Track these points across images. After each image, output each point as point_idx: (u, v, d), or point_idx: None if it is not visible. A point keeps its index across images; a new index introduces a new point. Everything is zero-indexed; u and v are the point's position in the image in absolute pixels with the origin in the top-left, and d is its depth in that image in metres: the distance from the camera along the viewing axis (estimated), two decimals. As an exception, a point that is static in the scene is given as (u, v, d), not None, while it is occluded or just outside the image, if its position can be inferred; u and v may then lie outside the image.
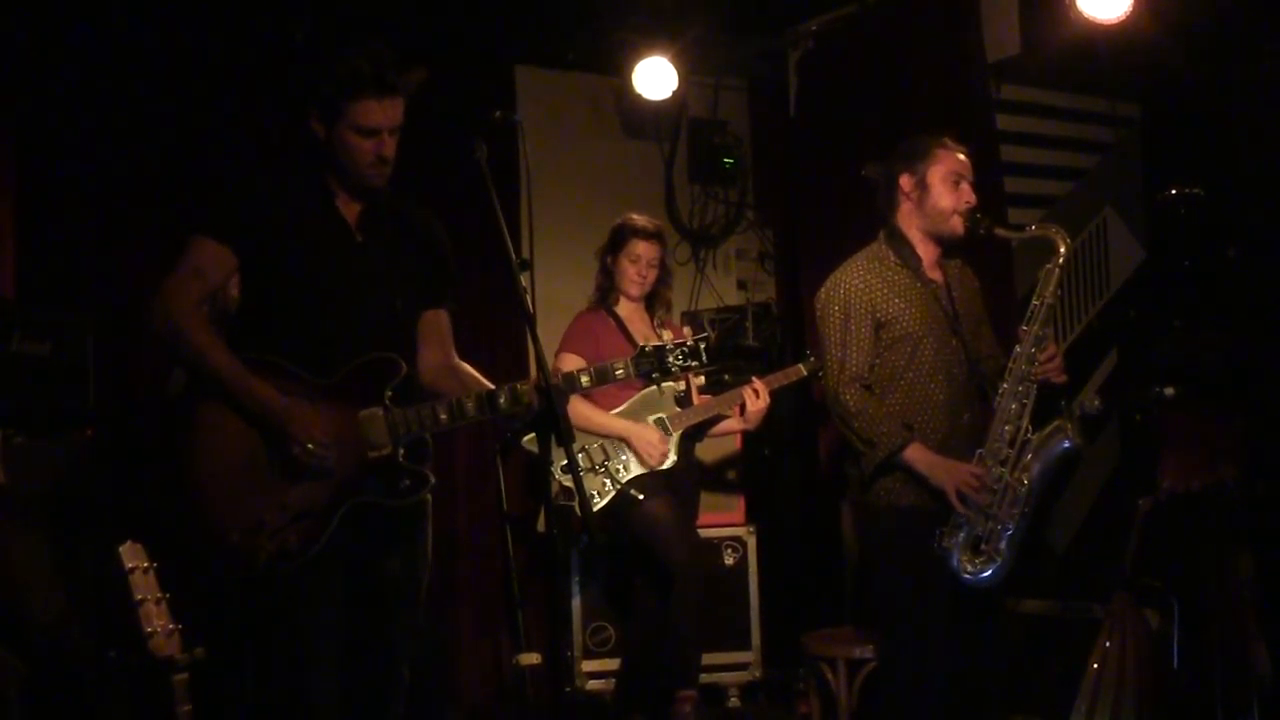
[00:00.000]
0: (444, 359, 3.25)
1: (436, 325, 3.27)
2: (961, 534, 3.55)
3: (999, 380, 3.65)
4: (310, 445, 2.91)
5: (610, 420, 4.66)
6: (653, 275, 4.80)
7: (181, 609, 2.77)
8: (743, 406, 4.71)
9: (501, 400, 3.04)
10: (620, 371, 3.13)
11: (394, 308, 3.12)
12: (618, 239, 4.78)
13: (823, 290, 3.78)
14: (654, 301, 4.87)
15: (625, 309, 4.82)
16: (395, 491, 3.03)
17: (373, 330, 3.06)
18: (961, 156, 3.76)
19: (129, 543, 2.77)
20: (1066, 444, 3.56)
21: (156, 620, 2.72)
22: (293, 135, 3.53)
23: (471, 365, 3.30)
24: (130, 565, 2.74)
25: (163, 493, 3.10)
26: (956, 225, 3.72)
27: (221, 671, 3.14)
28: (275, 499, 2.94)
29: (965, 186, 3.73)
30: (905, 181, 3.76)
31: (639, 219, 4.83)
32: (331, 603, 3.01)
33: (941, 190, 3.71)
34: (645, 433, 4.65)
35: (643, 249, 4.76)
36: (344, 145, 3.01)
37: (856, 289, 3.69)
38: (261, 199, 3.07)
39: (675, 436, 4.71)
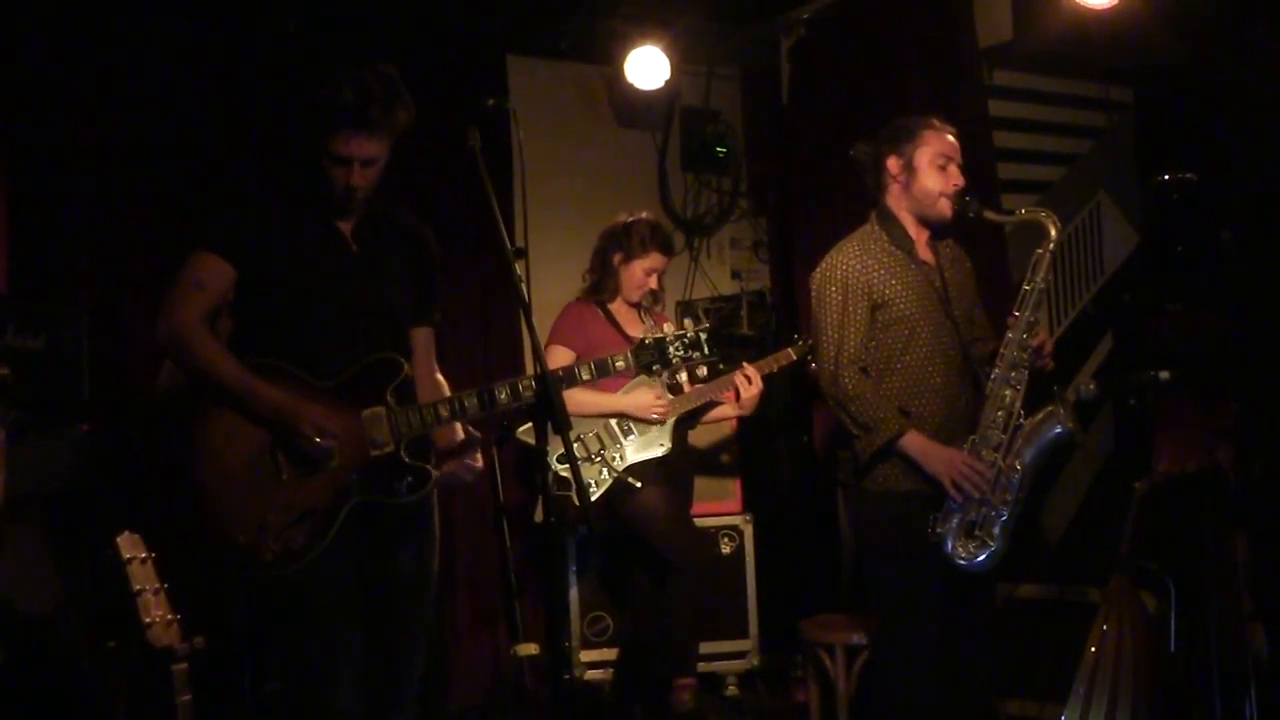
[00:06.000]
0: (425, 372, 3.31)
1: (419, 341, 3.33)
2: (955, 520, 3.53)
3: (989, 365, 3.62)
4: (327, 436, 2.95)
5: (603, 399, 4.62)
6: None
7: (180, 599, 2.77)
8: (737, 392, 4.69)
9: (502, 396, 3.07)
10: (620, 364, 3.15)
11: (390, 311, 3.17)
12: (637, 243, 4.67)
13: (818, 272, 3.74)
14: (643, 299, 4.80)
15: (616, 304, 4.78)
16: (398, 489, 3.06)
17: (370, 334, 3.12)
18: (950, 138, 3.71)
19: (126, 533, 2.77)
20: (1059, 429, 3.53)
21: (155, 610, 2.72)
22: (291, 146, 3.55)
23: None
24: (128, 556, 2.74)
25: (169, 497, 3.11)
26: (944, 208, 3.67)
27: (221, 662, 3.15)
28: (279, 500, 2.97)
29: (953, 169, 3.68)
30: (892, 164, 3.71)
31: (659, 226, 4.74)
32: (346, 600, 3.03)
33: (929, 173, 3.66)
34: (638, 398, 4.62)
35: (662, 263, 4.70)
36: (320, 167, 3.06)
37: (854, 270, 3.65)
38: (260, 213, 3.12)
39: (669, 423, 4.70)
